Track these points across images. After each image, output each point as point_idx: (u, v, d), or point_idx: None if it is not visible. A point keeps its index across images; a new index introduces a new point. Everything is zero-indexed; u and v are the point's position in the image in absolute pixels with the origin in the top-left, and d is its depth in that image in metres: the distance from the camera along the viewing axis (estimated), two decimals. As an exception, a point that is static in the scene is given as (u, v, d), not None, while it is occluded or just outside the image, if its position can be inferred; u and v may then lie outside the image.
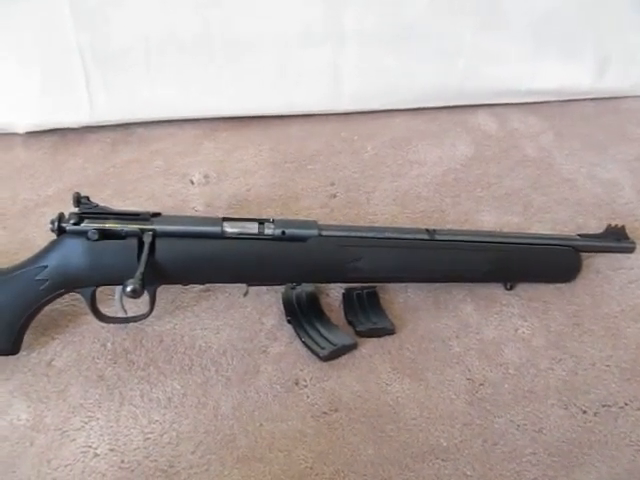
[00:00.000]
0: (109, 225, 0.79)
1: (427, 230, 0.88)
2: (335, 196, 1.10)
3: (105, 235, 0.79)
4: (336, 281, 0.89)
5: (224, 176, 1.14)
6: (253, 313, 0.89)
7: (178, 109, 1.25)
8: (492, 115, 1.31)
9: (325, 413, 0.78)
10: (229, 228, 0.82)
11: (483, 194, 1.11)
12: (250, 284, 0.86)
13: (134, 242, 0.79)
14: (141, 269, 0.76)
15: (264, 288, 0.92)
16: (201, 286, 0.92)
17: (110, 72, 1.19)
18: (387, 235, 0.86)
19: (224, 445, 0.75)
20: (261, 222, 0.83)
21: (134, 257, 0.78)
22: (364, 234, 0.85)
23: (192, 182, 1.13)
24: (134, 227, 0.80)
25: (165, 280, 0.83)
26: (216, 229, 0.82)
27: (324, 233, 0.84)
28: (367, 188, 1.11)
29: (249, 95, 1.26)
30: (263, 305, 0.90)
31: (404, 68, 1.27)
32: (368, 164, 1.17)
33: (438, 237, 0.87)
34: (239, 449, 0.74)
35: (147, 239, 0.79)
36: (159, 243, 0.80)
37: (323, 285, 0.92)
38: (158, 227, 0.80)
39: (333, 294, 0.92)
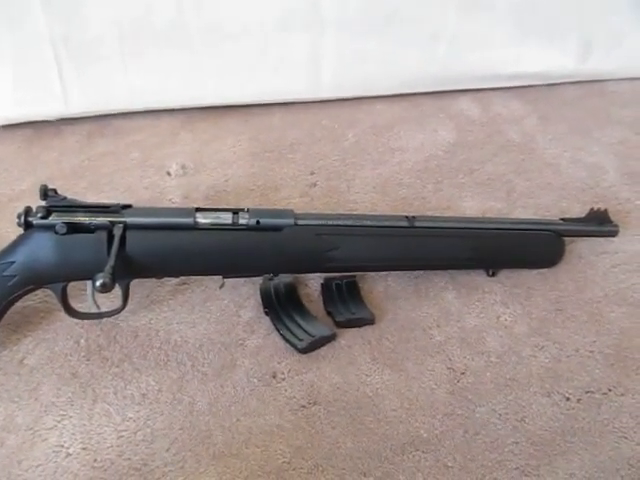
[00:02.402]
0: (78, 218, 0.77)
1: (406, 217, 0.85)
2: (315, 185, 1.07)
3: (74, 229, 0.76)
4: (314, 271, 0.86)
5: (202, 167, 1.11)
6: (230, 306, 0.87)
7: (154, 99, 1.22)
8: (475, 100, 1.28)
9: (303, 406, 0.75)
10: (202, 219, 0.79)
11: (465, 180, 1.08)
12: (226, 276, 0.84)
13: (104, 235, 0.76)
14: (111, 262, 0.73)
15: (241, 280, 0.89)
16: (177, 280, 0.90)
17: (84, 62, 1.16)
18: (365, 223, 0.84)
19: (200, 442, 0.72)
20: (235, 212, 0.81)
21: (104, 251, 0.75)
22: (341, 222, 0.83)
23: (169, 174, 1.10)
24: (104, 220, 0.77)
25: (138, 274, 0.81)
26: (188, 220, 0.79)
27: (300, 222, 0.82)
28: (348, 176, 1.09)
29: (227, 84, 1.23)
30: (240, 297, 0.88)
31: (385, 54, 1.24)
32: (349, 152, 1.14)
33: (418, 224, 0.85)
34: (215, 445, 0.72)
35: (117, 232, 0.76)
36: (130, 236, 0.77)
37: (302, 276, 0.90)
38: (129, 219, 0.78)
39: (312, 285, 0.90)
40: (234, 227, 0.80)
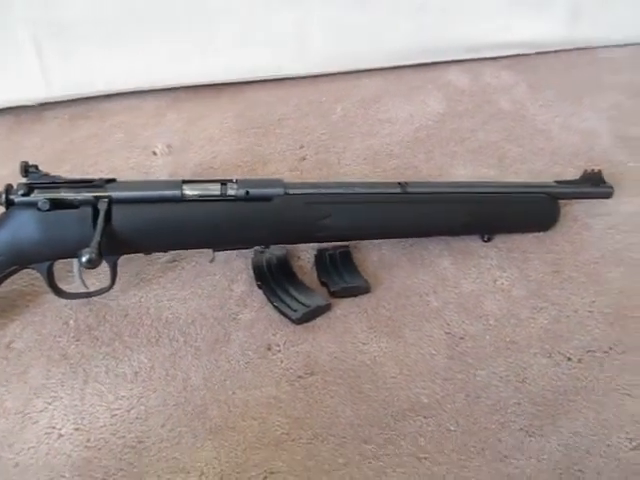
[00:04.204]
0: (61, 194, 0.74)
1: (399, 183, 0.83)
2: (304, 159, 1.05)
3: (57, 205, 0.73)
4: (306, 241, 0.84)
5: (188, 145, 1.09)
6: (222, 280, 0.85)
7: (139, 80, 1.18)
8: (464, 71, 1.26)
9: (300, 377, 0.73)
10: (189, 191, 0.77)
11: (457, 149, 1.06)
12: (216, 249, 0.81)
13: (88, 211, 0.74)
14: (97, 238, 0.71)
15: (233, 254, 0.87)
16: (166, 257, 0.87)
17: (64, 44, 1.12)
18: (356, 190, 0.81)
19: (195, 416, 0.71)
20: (223, 183, 0.78)
21: (89, 226, 0.73)
22: (332, 190, 0.81)
23: (155, 153, 1.08)
24: (88, 195, 0.75)
25: (125, 249, 0.78)
26: (175, 192, 0.77)
27: (290, 191, 0.79)
28: (337, 149, 1.07)
29: (213, 62, 1.19)
30: (232, 272, 0.86)
31: (372, 27, 1.21)
32: (337, 125, 1.12)
33: (410, 190, 0.83)
34: (211, 420, 0.70)
35: (102, 207, 0.74)
36: (115, 210, 0.75)
37: (294, 247, 0.88)
38: (113, 194, 0.75)
39: (305, 256, 0.88)
40: (223, 198, 0.77)
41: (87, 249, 0.69)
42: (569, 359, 0.74)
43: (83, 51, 1.13)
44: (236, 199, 0.78)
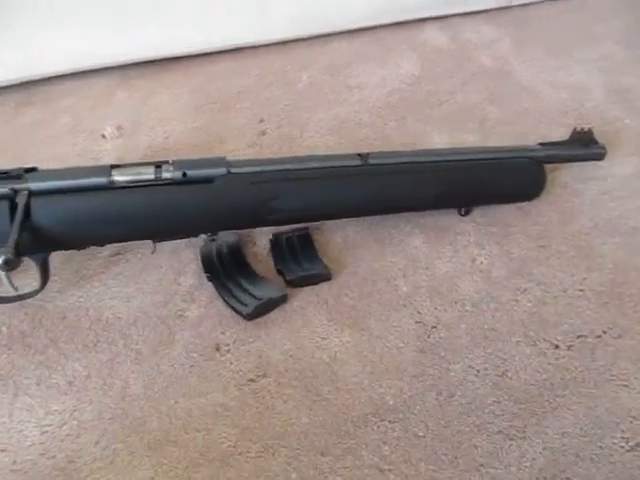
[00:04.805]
0: (-27, 188, 0.65)
1: (359, 155, 0.73)
2: (264, 133, 0.94)
3: (-31, 200, 0.64)
4: (255, 225, 0.74)
5: (139, 126, 0.99)
6: (169, 274, 0.75)
7: (86, 59, 1.08)
8: (441, 29, 1.14)
9: (251, 380, 0.64)
10: (119, 176, 0.68)
11: (433, 113, 0.95)
12: (156, 240, 0.72)
13: (5, 205, 0.65)
14: (14, 236, 0.62)
15: (182, 243, 0.77)
16: (109, 250, 0.78)
17: (4, 26, 1.02)
18: (310, 165, 0.71)
19: (133, 431, 0.62)
20: (158, 165, 0.69)
21: (6, 223, 0.64)
22: (282, 167, 0.71)
23: (104, 137, 0.98)
24: (4, 188, 0.65)
25: (52, 246, 0.69)
26: (102, 180, 0.67)
27: (234, 170, 0.70)
28: (301, 121, 0.96)
29: (165, 35, 1.08)
30: (180, 263, 0.76)
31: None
32: (302, 95, 1.01)
33: (373, 161, 0.72)
34: (150, 433, 0.61)
35: (21, 200, 0.65)
36: (36, 203, 0.66)
37: (249, 232, 0.78)
38: (33, 185, 0.66)
39: (261, 242, 0.78)
40: (157, 183, 0.68)
41: (2, 249, 0.60)
42: (557, 347, 0.64)
43: (25, 30, 1.03)
44: (173, 183, 0.68)
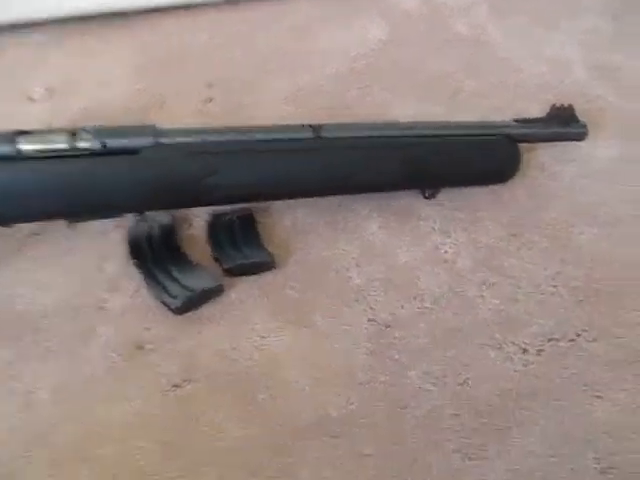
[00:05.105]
0: None
1: (310, 126, 0.63)
2: (212, 100, 0.84)
3: None
4: (190, 205, 0.64)
5: (73, 88, 0.87)
6: (92, 258, 0.65)
7: (18, 11, 0.95)
8: (415, -10, 1.03)
9: (176, 386, 0.55)
10: (26, 144, 0.57)
11: (400, 82, 0.85)
12: (71, 220, 0.62)
13: None
14: None
15: (111, 224, 0.67)
16: (26, 229, 0.67)
17: None
18: (254, 137, 0.61)
19: (36, 445, 0.53)
20: (73, 133, 0.58)
21: None
22: (221, 138, 0.60)
23: (32, 99, 0.86)
24: None
25: (-55, 224, 0.58)
26: (6, 148, 0.56)
27: (163, 140, 0.59)
28: (254, 88, 0.85)
29: (109, -14, 0.96)
30: (107, 245, 0.66)
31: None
32: (258, 59, 0.90)
33: (326, 134, 0.63)
34: (55, 448, 0.52)
35: None
36: None
37: (185, 212, 0.68)
38: None
39: (199, 223, 0.68)
40: (72, 153, 0.57)
41: None
42: (525, 351, 0.57)
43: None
44: (91, 154, 0.58)
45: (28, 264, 0.65)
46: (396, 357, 0.56)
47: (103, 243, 0.67)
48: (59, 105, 0.85)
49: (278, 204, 0.69)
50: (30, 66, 0.91)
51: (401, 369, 0.55)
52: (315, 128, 0.63)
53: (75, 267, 0.65)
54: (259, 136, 0.62)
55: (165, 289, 0.60)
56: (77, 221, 0.62)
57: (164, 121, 0.78)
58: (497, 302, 0.60)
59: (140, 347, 0.58)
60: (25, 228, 0.68)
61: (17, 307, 0.62)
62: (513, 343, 0.57)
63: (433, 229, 0.67)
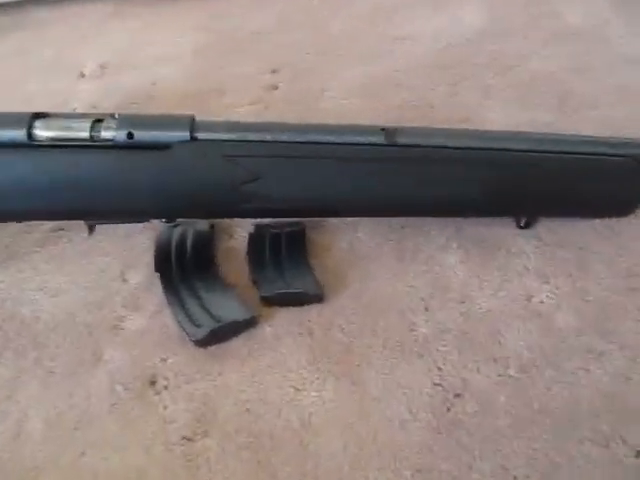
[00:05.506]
0: None
1: (383, 130, 0.50)
2: (276, 87, 0.73)
3: None
4: (225, 215, 0.53)
5: (127, 65, 0.79)
6: (114, 264, 0.56)
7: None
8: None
9: (186, 438, 0.44)
10: (42, 130, 0.48)
11: (496, 81, 0.70)
12: (89, 221, 0.52)
13: None
14: None
15: (137, 224, 0.58)
16: (47, 225, 0.59)
17: None
18: (310, 138, 0.49)
19: (17, 487, 0.43)
20: (98, 120, 0.48)
21: None
22: (267, 137, 0.49)
23: (83, 75, 0.78)
24: None
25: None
26: (19, 133, 0.47)
27: (201, 136, 0.48)
28: (324, 75, 0.73)
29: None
30: (133, 251, 0.57)
31: None
32: (332, 43, 0.78)
33: (401, 141, 0.49)
34: (35, 498, 0.43)
35: None
36: None
37: (226, 221, 0.57)
38: None
39: (240, 235, 0.57)
40: (92, 144, 0.48)
41: None
42: (638, 455, 0.42)
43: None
44: (114, 146, 0.48)
45: (47, 263, 0.57)
46: (464, 440, 0.42)
47: (129, 246, 0.57)
48: (109, 83, 0.77)
49: (334, 221, 0.56)
50: (88, 38, 0.84)
51: (470, 459, 0.42)
52: (389, 132, 0.50)
53: (93, 274, 0.56)
54: (316, 137, 0.49)
55: (189, 315, 0.49)
56: (95, 223, 0.53)
57: (222, 108, 0.69)
58: (606, 380, 0.45)
59: (152, 382, 0.47)
60: (47, 223, 0.59)
61: (24, 313, 0.53)
62: (624, 441, 0.42)
63: (527, 269, 0.52)
